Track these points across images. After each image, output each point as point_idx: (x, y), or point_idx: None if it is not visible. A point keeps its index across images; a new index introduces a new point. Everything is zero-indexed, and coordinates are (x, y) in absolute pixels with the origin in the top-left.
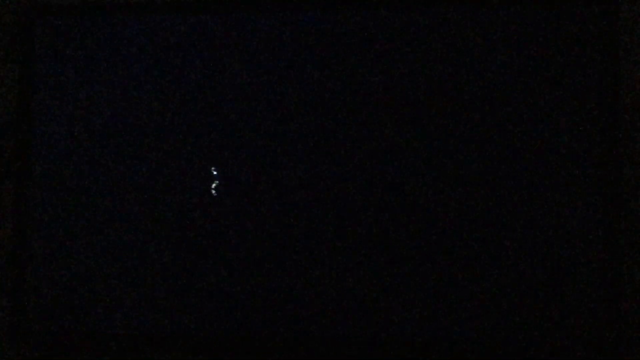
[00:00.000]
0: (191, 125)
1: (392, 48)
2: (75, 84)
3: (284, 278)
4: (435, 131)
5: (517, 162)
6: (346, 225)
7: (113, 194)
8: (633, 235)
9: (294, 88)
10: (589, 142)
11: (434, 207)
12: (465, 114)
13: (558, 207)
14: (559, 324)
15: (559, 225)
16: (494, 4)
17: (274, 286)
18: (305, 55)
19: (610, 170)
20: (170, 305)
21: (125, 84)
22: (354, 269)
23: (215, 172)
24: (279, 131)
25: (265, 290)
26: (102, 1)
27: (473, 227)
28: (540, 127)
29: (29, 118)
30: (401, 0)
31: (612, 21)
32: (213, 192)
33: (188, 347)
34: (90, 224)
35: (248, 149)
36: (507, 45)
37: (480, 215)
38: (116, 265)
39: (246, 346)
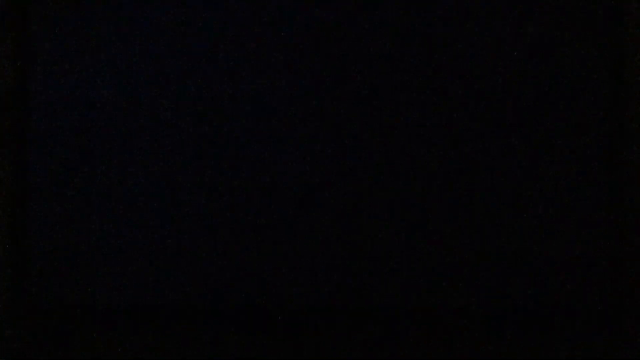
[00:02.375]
0: (192, 100)
1: (387, 40)
2: (73, 56)
3: (283, 246)
4: (438, 118)
5: (515, 134)
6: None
7: (112, 166)
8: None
9: (297, 68)
10: (592, 122)
11: (435, 191)
12: (467, 105)
13: (559, 184)
14: (559, 291)
15: (560, 196)
16: None
17: (274, 255)
18: (304, 32)
19: (612, 147)
20: (174, 278)
21: (125, 58)
22: (354, 238)
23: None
24: (280, 107)
25: (265, 260)
26: None
27: (472, 192)
28: (543, 109)
29: (26, 92)
30: None
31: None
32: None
33: (193, 319)
34: (91, 196)
35: (251, 122)
36: (509, 32)
37: (481, 186)
38: (118, 238)
39: (251, 318)
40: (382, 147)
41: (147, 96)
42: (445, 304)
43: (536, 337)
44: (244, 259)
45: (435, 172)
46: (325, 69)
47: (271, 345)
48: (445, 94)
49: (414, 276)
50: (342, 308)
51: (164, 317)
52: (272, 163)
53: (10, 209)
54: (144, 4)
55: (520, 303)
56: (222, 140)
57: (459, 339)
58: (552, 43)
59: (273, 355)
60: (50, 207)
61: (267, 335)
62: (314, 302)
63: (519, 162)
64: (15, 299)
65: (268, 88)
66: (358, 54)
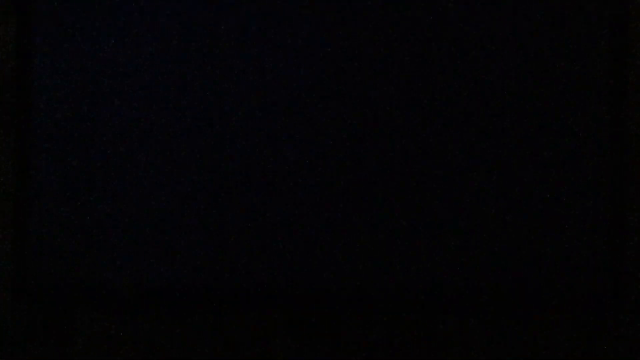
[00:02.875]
0: (196, 82)
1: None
2: (77, 33)
3: (283, 227)
4: (438, 112)
5: (516, 123)
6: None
7: (116, 143)
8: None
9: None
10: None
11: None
12: (470, 102)
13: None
14: (557, 269)
15: (559, 167)
16: None
17: (274, 235)
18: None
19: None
20: (179, 257)
21: (128, 33)
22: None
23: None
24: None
25: (268, 241)
26: None
27: (473, 183)
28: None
29: (29, 71)
30: None
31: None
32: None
33: (196, 300)
34: (94, 174)
35: (254, 108)
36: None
37: (480, 159)
38: (121, 215)
39: (256, 302)
40: (383, 143)
41: (150, 81)
42: (443, 292)
43: (534, 327)
44: (247, 243)
45: (438, 170)
46: (326, 62)
47: (273, 330)
48: (446, 90)
49: (412, 267)
50: (341, 295)
51: (167, 301)
52: (275, 151)
53: (12, 190)
54: None
55: (519, 292)
56: (228, 123)
57: (458, 328)
58: (554, 42)
59: (275, 339)
60: (52, 189)
61: (270, 320)
62: (314, 289)
63: (519, 153)
64: (17, 281)
65: (273, 73)
66: (360, 47)
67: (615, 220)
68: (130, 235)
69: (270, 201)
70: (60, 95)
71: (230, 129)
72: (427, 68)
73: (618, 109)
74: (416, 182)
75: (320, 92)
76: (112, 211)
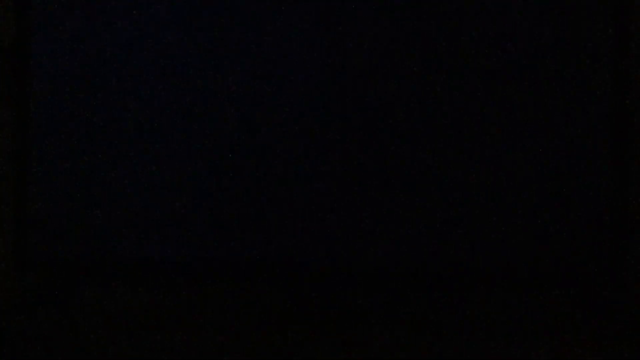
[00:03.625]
0: (199, 55)
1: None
2: (76, 30)
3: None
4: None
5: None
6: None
7: (117, 113)
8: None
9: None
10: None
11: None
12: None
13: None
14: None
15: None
16: None
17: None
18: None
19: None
20: (180, 229)
21: (129, 22)
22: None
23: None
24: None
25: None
26: None
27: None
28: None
29: (28, 41)
30: None
31: None
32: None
33: (197, 271)
34: (94, 145)
35: (256, 83)
36: None
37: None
38: (122, 186)
39: (254, 273)
40: (384, 127)
41: (157, 44)
42: (444, 262)
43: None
44: (245, 213)
45: (441, 160)
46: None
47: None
48: (449, 84)
49: (413, 235)
50: (337, 266)
51: (166, 272)
52: (274, 140)
53: (13, 162)
54: None
55: (518, 279)
56: (227, 111)
57: (455, 300)
58: (554, 40)
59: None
60: (54, 158)
61: (268, 291)
62: (312, 261)
63: (521, 140)
64: (19, 252)
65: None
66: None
67: (618, 208)
68: (132, 205)
69: (267, 188)
70: (60, 65)
71: (230, 117)
72: (428, 64)
73: (621, 93)
74: (419, 165)
75: (319, 82)
76: (114, 182)
